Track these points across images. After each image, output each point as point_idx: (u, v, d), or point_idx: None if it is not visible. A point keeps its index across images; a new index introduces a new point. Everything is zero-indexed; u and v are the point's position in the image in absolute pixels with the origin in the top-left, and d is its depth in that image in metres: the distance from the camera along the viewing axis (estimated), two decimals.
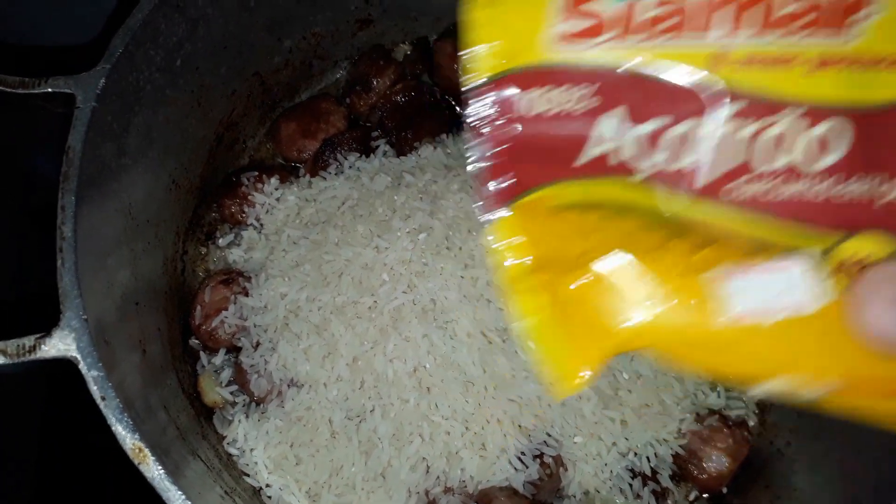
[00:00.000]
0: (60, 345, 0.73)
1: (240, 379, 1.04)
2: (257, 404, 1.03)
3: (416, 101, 1.16)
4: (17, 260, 1.25)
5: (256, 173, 1.14)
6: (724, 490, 1.03)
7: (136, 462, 0.69)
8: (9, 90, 0.81)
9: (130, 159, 0.92)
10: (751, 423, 1.07)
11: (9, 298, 1.12)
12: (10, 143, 1.27)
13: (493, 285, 1.00)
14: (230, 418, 1.03)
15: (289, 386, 1.01)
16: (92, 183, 0.83)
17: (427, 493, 0.97)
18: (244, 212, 1.13)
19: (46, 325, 0.75)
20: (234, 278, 1.07)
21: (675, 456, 1.02)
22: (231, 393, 1.05)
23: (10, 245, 1.20)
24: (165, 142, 0.99)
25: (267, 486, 0.98)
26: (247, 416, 1.02)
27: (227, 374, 1.06)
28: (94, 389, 0.71)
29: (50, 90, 0.83)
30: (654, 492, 1.01)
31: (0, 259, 1.17)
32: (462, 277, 1.00)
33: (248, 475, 0.99)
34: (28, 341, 0.73)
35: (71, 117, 0.84)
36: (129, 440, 0.70)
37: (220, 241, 1.15)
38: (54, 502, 1.18)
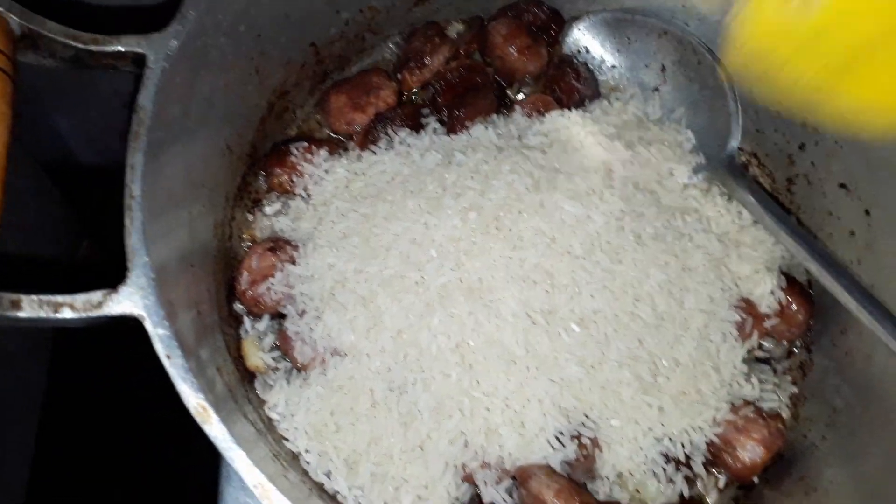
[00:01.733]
0: (127, 302, 0.74)
1: (284, 345, 1.05)
2: (299, 371, 1.05)
3: (469, 80, 1.17)
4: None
5: (306, 144, 1.15)
6: (755, 480, 1.04)
7: (199, 421, 0.71)
8: (82, 46, 0.82)
9: (193, 123, 0.93)
10: (784, 416, 1.08)
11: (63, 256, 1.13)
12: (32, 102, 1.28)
13: (540, 267, 1.01)
14: (272, 383, 1.05)
15: (332, 355, 1.03)
16: (158, 144, 0.84)
17: (464, 466, 0.99)
18: (293, 181, 1.14)
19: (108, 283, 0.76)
20: (281, 246, 1.08)
21: (710, 444, 1.03)
22: (274, 359, 1.06)
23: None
24: (224, 107, 1.00)
25: (306, 451, 1.00)
26: (288, 382, 1.04)
27: (269, 340, 1.07)
28: (159, 348, 0.73)
29: (122, 49, 0.83)
30: (686, 478, 1.02)
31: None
32: (510, 258, 1.01)
33: (287, 440, 1.01)
34: (96, 296, 0.74)
35: (136, 78, 0.85)
36: (192, 399, 0.71)
37: (267, 209, 1.16)
38: (55, 470, 1.21)
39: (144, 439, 1.38)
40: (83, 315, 0.73)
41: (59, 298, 0.73)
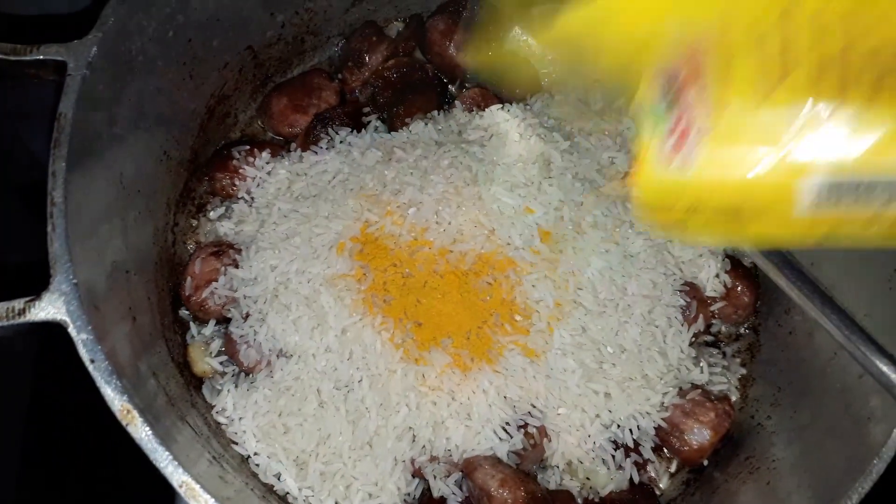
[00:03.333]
0: (50, 308, 0.74)
1: (229, 349, 1.05)
2: (246, 374, 1.04)
3: (408, 78, 1.17)
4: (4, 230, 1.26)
5: (248, 147, 1.15)
6: (705, 463, 1.05)
7: (124, 423, 0.70)
8: (1, 56, 0.82)
9: (121, 129, 0.92)
10: (733, 398, 1.09)
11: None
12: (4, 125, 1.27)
13: (480, 260, 1.01)
14: (219, 388, 1.04)
15: (278, 356, 1.03)
16: (83, 151, 0.83)
17: (413, 461, 0.99)
18: (235, 185, 1.14)
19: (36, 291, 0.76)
20: (224, 250, 1.08)
21: (658, 429, 1.03)
22: (220, 363, 1.06)
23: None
24: (157, 113, 1.00)
25: (255, 454, 1.00)
26: (236, 386, 1.03)
27: (216, 344, 1.07)
28: (83, 352, 0.72)
29: (42, 57, 0.83)
30: (636, 463, 1.03)
31: None
32: (451, 252, 1.01)
33: (236, 444, 1.00)
34: (17, 304, 0.74)
35: (62, 87, 0.85)
36: (117, 402, 0.71)
37: (211, 213, 1.16)
38: (43, 466, 1.20)
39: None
40: (5, 323, 0.72)
41: None
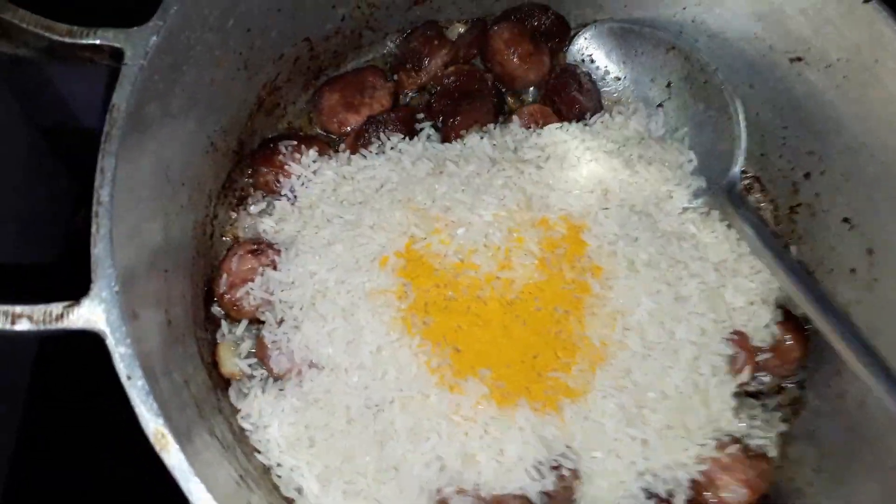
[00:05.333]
0: (89, 316, 0.70)
1: (260, 353, 1.02)
2: (275, 380, 1.01)
3: (467, 87, 1.12)
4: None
5: (295, 143, 1.10)
6: None
7: (157, 447, 0.67)
8: (56, 38, 0.77)
9: (172, 119, 0.88)
10: (771, 455, 1.05)
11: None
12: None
13: (527, 291, 0.97)
14: (246, 392, 1.01)
15: (309, 367, 0.99)
16: (132, 144, 0.79)
17: (439, 491, 0.95)
18: (279, 181, 1.10)
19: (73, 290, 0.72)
20: (263, 249, 1.04)
21: (693, 481, 1.00)
22: (249, 366, 1.03)
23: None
24: (208, 103, 0.96)
25: (278, 465, 0.97)
26: (263, 392, 1.00)
27: (247, 345, 1.04)
28: (120, 367, 0.69)
29: (98, 42, 0.79)
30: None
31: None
32: (497, 279, 0.97)
33: (259, 451, 0.97)
34: (56, 309, 0.70)
35: (115, 71, 0.81)
36: (152, 425, 0.68)
37: (252, 207, 1.11)
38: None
39: (127, 440, 1.33)
40: (41, 328, 0.69)
41: (18, 309, 0.69)
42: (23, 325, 0.68)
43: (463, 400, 0.95)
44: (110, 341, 0.69)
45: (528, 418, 0.95)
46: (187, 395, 0.84)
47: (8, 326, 0.68)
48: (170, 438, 0.67)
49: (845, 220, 1.05)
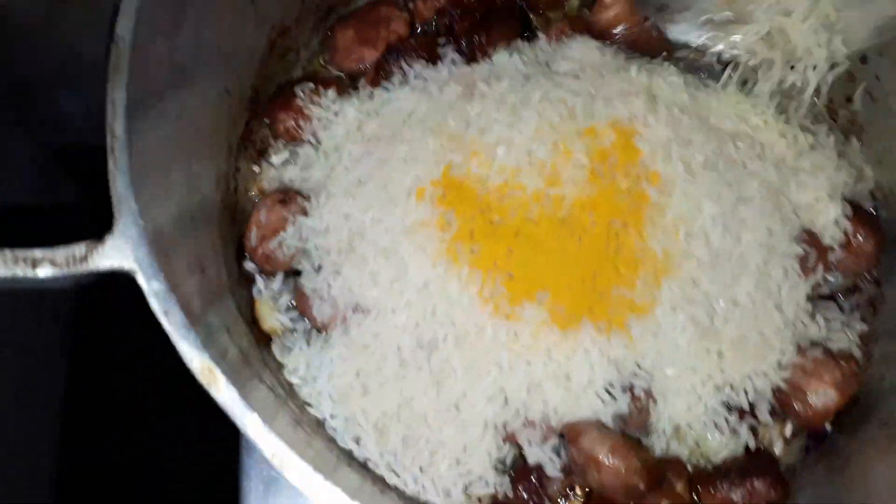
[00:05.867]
0: (115, 254, 0.65)
1: (301, 304, 0.96)
2: (319, 331, 0.96)
3: (488, 3, 1.05)
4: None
5: (312, 85, 1.05)
6: (828, 428, 0.94)
7: (205, 383, 0.62)
8: None
9: (182, 59, 0.83)
10: (856, 356, 0.98)
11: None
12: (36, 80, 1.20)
13: (580, 204, 0.91)
14: (290, 346, 0.96)
15: (354, 312, 0.93)
16: (142, 82, 0.74)
17: (505, 425, 0.90)
18: (300, 127, 1.04)
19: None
20: (291, 197, 0.99)
21: (776, 390, 0.93)
22: (291, 319, 0.98)
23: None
24: (218, 43, 0.90)
25: (332, 416, 0.92)
26: (308, 344, 0.95)
27: (285, 299, 0.99)
28: (154, 304, 0.64)
29: None
30: (751, 428, 0.93)
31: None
32: (547, 195, 0.91)
33: (311, 405, 0.92)
34: (78, 249, 0.65)
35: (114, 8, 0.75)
36: (196, 360, 0.62)
37: (274, 158, 1.06)
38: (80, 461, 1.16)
39: (165, 425, 1.32)
40: (65, 271, 0.63)
41: (38, 253, 0.64)
42: (45, 271, 0.63)
43: (522, 328, 0.89)
44: (141, 278, 0.63)
45: (594, 340, 0.88)
46: (233, 347, 0.79)
47: (30, 273, 0.63)
48: (218, 373, 0.61)
49: None
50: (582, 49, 1.03)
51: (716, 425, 0.92)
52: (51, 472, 1.23)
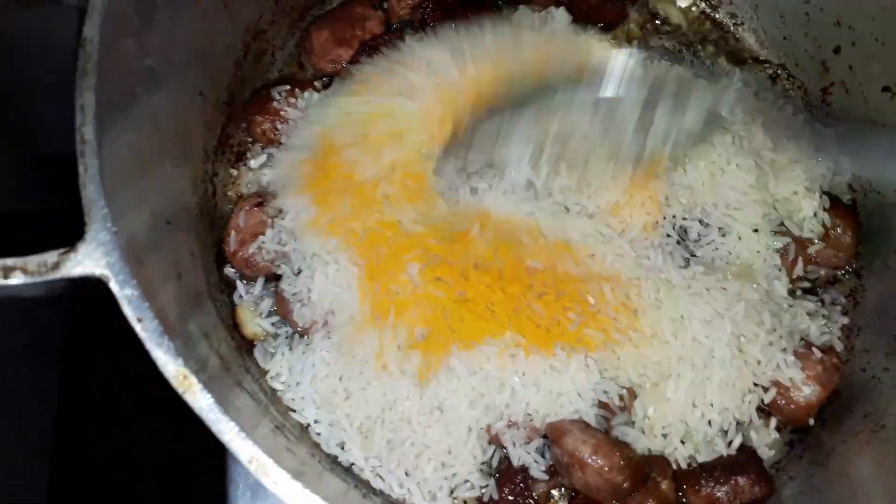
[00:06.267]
0: (87, 261, 0.64)
1: (281, 309, 0.95)
2: (301, 336, 0.95)
3: None
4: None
5: (288, 87, 1.04)
6: (811, 422, 0.94)
7: (180, 390, 0.61)
8: None
9: (153, 62, 0.81)
10: (837, 349, 0.98)
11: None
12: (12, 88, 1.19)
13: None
14: (272, 351, 0.95)
15: (335, 314, 0.92)
16: (113, 86, 0.72)
17: (489, 428, 0.89)
18: (277, 129, 1.03)
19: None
20: (269, 200, 0.98)
21: (756, 384, 0.93)
22: (272, 324, 0.97)
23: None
24: (191, 45, 0.89)
25: (315, 422, 0.90)
26: (290, 349, 0.94)
27: (266, 304, 0.98)
28: (128, 311, 0.62)
29: None
30: (737, 423, 0.92)
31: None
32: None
33: (294, 411, 0.91)
34: (50, 257, 0.64)
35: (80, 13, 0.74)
36: (171, 366, 0.61)
37: (252, 162, 1.05)
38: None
39: (156, 433, 1.30)
40: (38, 279, 0.62)
41: (9, 261, 0.62)
42: (17, 279, 0.62)
43: (490, 352, 0.88)
44: (113, 284, 0.62)
45: (567, 361, 0.88)
46: (213, 354, 0.78)
47: (1, 281, 0.61)
48: (193, 379, 0.60)
49: (885, 88, 0.97)
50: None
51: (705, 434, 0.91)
52: (41, 475, 1.21)
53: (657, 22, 1.14)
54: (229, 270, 0.99)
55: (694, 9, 1.15)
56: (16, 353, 1.20)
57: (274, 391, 0.92)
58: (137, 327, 0.61)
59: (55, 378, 1.28)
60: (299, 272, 0.95)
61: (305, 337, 0.94)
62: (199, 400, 0.60)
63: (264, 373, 0.93)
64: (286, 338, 0.96)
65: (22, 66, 1.16)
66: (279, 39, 1.09)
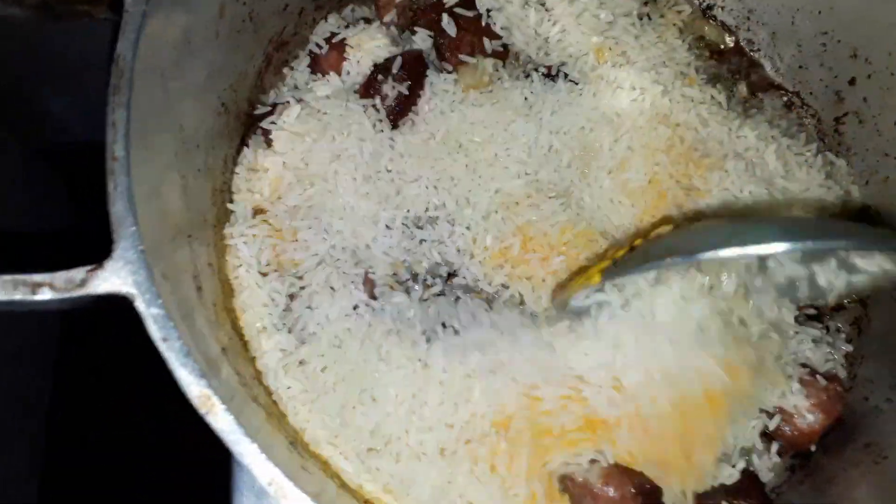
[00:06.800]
0: (114, 279, 0.65)
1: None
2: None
3: None
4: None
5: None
6: (813, 448, 0.96)
7: (202, 411, 0.62)
8: None
9: (181, 74, 0.82)
10: (841, 376, 0.99)
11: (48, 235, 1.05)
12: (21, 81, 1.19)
13: None
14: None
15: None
16: (141, 100, 0.73)
17: None
18: None
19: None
20: None
21: (762, 410, 0.94)
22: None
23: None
24: (217, 58, 0.90)
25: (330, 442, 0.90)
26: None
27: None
28: (153, 329, 0.64)
29: None
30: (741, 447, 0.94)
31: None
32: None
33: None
34: (78, 274, 0.65)
35: (114, 27, 0.75)
36: (194, 387, 0.62)
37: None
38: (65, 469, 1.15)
39: (154, 438, 1.31)
40: (65, 295, 0.63)
41: (37, 278, 0.64)
42: (44, 295, 0.63)
43: None
44: (140, 303, 0.64)
45: None
46: (227, 364, 0.79)
47: (28, 297, 0.63)
48: (215, 400, 0.62)
49: None
50: None
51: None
52: (37, 483, 1.22)
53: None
54: None
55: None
56: (11, 356, 1.20)
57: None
58: (162, 346, 0.62)
59: (49, 383, 1.28)
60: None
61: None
62: (221, 421, 0.61)
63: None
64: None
65: (34, 58, 1.18)
66: (299, 51, 1.10)
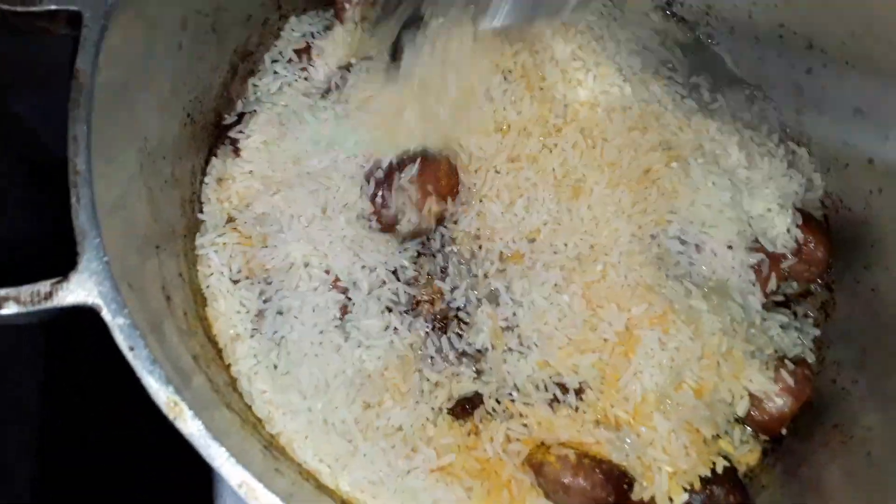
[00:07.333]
0: (80, 290, 0.66)
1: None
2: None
3: None
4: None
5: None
6: (783, 432, 0.97)
7: (170, 417, 0.63)
8: (7, 7, 0.72)
9: (143, 88, 0.83)
10: (809, 361, 1.01)
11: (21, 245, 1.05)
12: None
13: None
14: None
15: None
16: (103, 113, 0.74)
17: None
18: None
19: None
20: None
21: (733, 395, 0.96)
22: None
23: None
24: (180, 69, 0.91)
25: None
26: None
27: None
28: (119, 339, 0.64)
29: (53, 7, 0.74)
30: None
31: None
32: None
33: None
34: (43, 287, 0.65)
35: (74, 42, 0.76)
36: (162, 394, 0.63)
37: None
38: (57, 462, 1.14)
39: (143, 442, 1.31)
40: (31, 309, 0.64)
41: (2, 292, 0.64)
42: (9, 309, 0.64)
43: None
44: (106, 314, 0.64)
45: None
46: (199, 372, 0.80)
47: None
48: (183, 406, 0.62)
49: (857, 110, 1.00)
50: None
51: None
52: (26, 492, 1.21)
53: None
54: None
55: None
56: None
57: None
58: (129, 355, 0.63)
59: (38, 387, 1.27)
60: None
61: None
62: (189, 426, 0.62)
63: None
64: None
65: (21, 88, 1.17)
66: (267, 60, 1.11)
